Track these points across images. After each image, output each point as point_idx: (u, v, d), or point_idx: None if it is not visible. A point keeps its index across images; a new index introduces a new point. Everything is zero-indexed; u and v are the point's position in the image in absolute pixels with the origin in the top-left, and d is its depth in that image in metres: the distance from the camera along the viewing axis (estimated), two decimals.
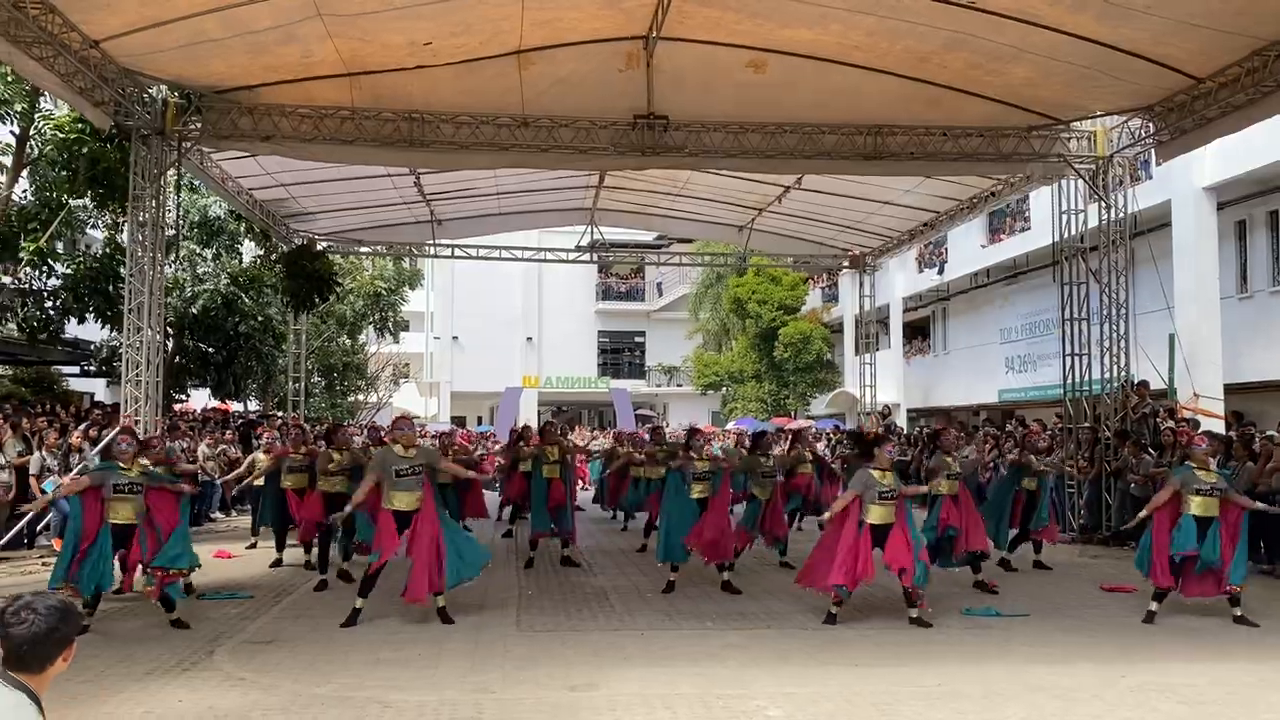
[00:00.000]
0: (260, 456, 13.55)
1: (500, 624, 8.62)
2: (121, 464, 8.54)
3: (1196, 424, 15.05)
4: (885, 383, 28.04)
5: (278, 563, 12.04)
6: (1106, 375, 15.52)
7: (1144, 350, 16.02)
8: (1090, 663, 7.42)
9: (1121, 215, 15.59)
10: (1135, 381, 15.66)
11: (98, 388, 27.33)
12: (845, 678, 6.97)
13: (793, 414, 36.03)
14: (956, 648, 7.93)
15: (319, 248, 21.42)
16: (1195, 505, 8.88)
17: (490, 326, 44.85)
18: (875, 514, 8.62)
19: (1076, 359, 15.82)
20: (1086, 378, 15.78)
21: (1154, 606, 8.96)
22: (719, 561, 10.23)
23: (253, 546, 13.58)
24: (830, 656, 7.55)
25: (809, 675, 7.02)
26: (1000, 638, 8.31)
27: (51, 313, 17.29)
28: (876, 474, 8.73)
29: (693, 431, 11.24)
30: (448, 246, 23.38)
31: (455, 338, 45.61)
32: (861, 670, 7.17)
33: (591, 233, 22.97)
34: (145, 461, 8.81)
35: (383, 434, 14.07)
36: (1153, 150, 15.15)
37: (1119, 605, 9.73)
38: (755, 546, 12.06)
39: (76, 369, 23.94)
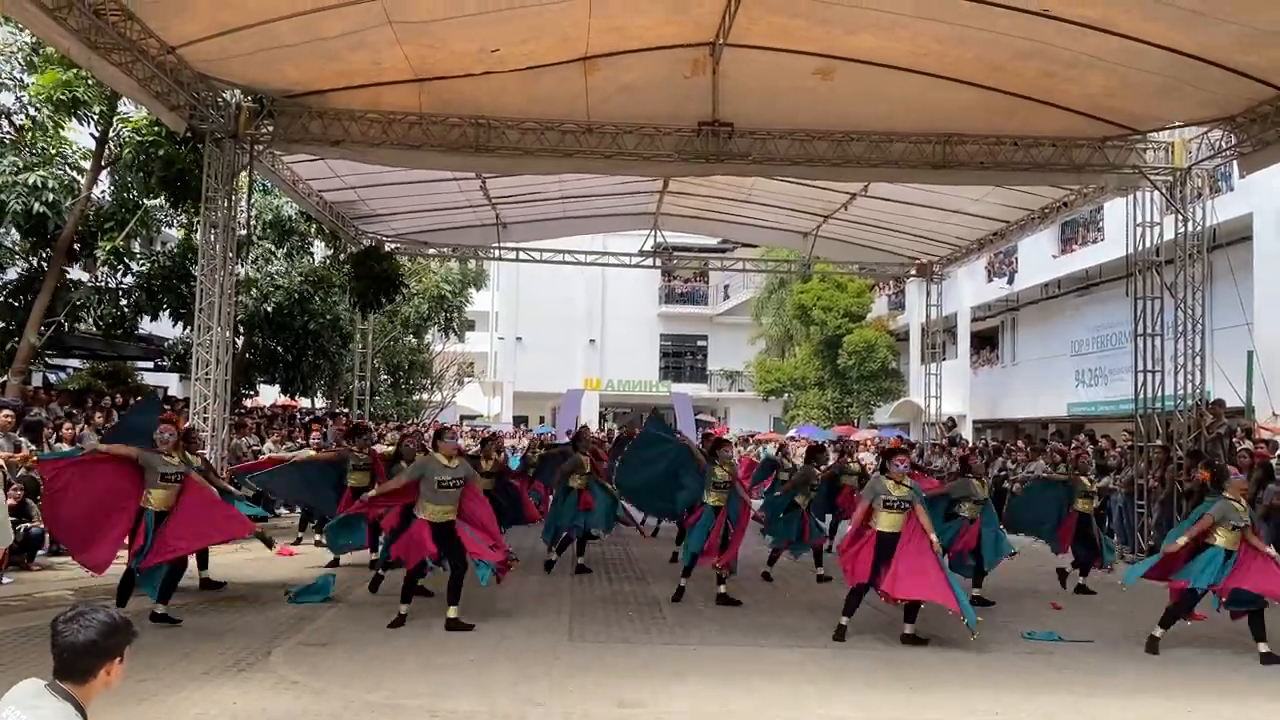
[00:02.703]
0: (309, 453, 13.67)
1: (552, 632, 8.62)
2: (163, 453, 8.66)
3: (1276, 445, 14.56)
4: (951, 393, 27.60)
5: (334, 563, 12.18)
6: (1180, 392, 15.06)
7: (1220, 367, 15.54)
8: (1154, 696, 7.20)
9: (1199, 228, 15.13)
10: (1211, 399, 15.19)
11: (170, 381, 27.99)
12: (900, 701, 6.85)
13: (855, 423, 35.65)
14: (1016, 674, 7.74)
15: (386, 249, 21.73)
16: (1223, 539, 8.52)
17: (553, 328, 45.10)
18: (883, 521, 8.64)
19: (1149, 375, 15.39)
20: (1159, 394, 15.35)
21: (1159, 633, 8.68)
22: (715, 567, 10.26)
23: (297, 541, 13.81)
24: (886, 679, 7.41)
25: (863, 698, 6.90)
26: (1061, 664, 8.09)
27: (126, 310, 17.73)
28: (889, 483, 8.73)
29: (719, 443, 11.14)
30: (512, 250, 23.55)
31: (519, 338, 45.96)
32: (917, 694, 7.03)
33: (655, 237, 22.98)
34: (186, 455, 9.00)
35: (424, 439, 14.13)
36: (1234, 162, 14.71)
37: (1187, 634, 9.41)
38: (798, 559, 12.29)
39: (150, 364, 24.52)
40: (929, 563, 8.45)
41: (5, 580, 10.44)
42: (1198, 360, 14.96)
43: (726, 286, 47.05)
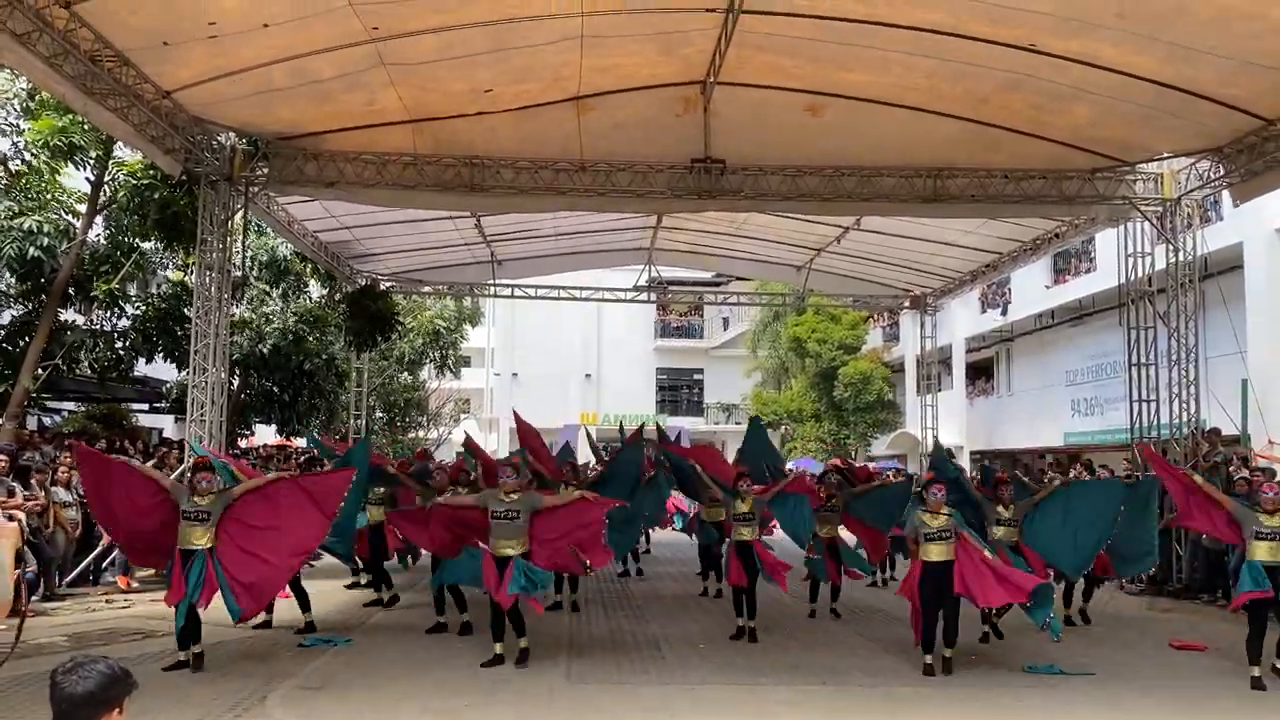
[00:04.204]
0: None
1: (549, 674, 8.56)
2: (197, 496, 8.65)
3: (1272, 472, 14.52)
4: (948, 424, 27.59)
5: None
6: (1175, 421, 15.09)
7: (1215, 396, 15.55)
8: None
9: (1190, 258, 15.22)
10: (1206, 428, 15.19)
11: (166, 423, 27.91)
12: None
13: (853, 454, 35.58)
14: (1018, 709, 7.70)
15: (382, 288, 21.77)
16: (1261, 551, 8.49)
17: (550, 363, 45.03)
18: (931, 552, 8.78)
19: (1144, 404, 15.41)
20: (1155, 423, 15.36)
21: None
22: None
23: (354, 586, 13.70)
24: (885, 716, 7.36)
25: None
26: (1063, 698, 8.04)
27: (121, 352, 17.70)
28: (926, 516, 8.88)
29: (739, 475, 10.91)
30: (508, 286, 23.61)
31: (515, 374, 45.88)
32: None
33: (649, 271, 23.05)
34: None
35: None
36: (1223, 192, 14.83)
37: (1190, 664, 9.39)
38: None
39: (146, 406, 24.47)
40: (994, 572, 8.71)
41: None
42: (1192, 389, 15.01)
43: (726, 319, 46.95)
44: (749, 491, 10.48)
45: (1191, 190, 14.68)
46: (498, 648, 8.81)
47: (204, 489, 8.67)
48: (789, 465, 32.89)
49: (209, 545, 8.52)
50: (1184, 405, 15.00)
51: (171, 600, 8.51)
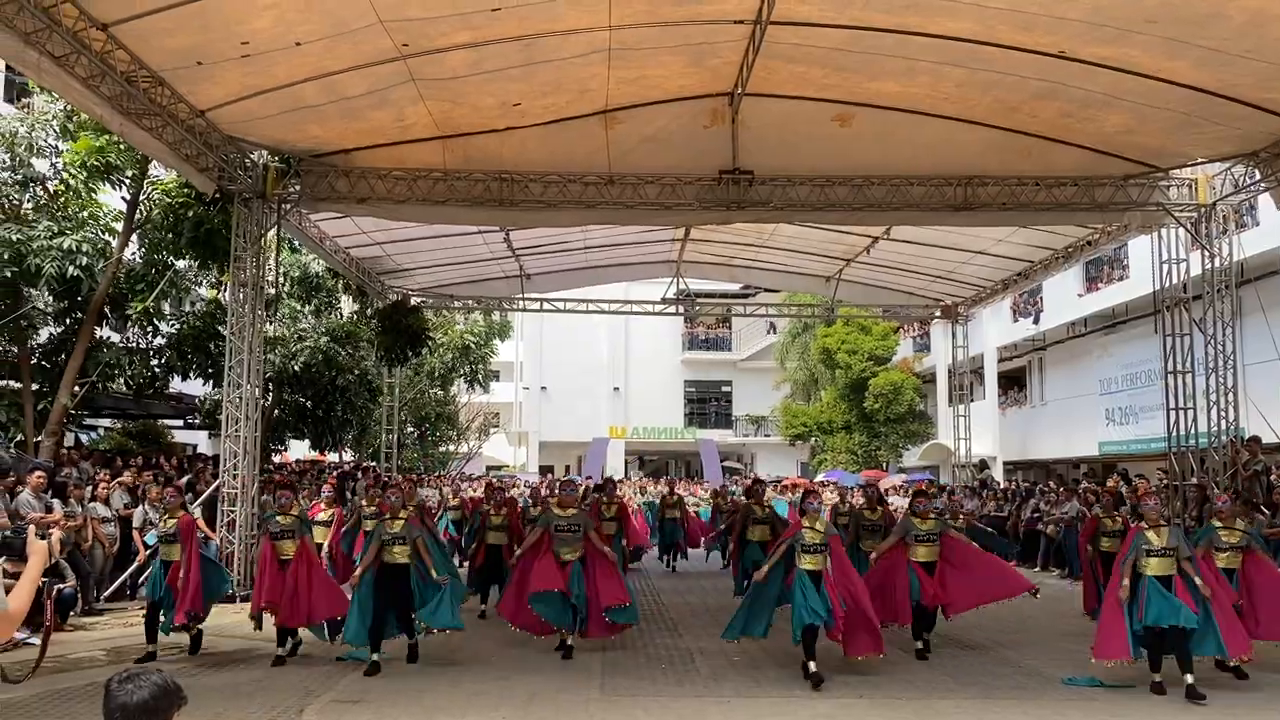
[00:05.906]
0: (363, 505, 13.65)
1: (584, 687, 8.55)
2: (280, 514, 9.87)
3: None
4: (980, 434, 27.37)
5: None
6: (1214, 429, 14.87)
7: (1254, 403, 15.33)
8: None
9: (1226, 263, 15.03)
10: (1245, 436, 14.97)
11: (200, 439, 28.18)
12: None
13: (884, 466, 35.37)
14: None
15: (413, 303, 21.92)
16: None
17: (578, 376, 45.09)
18: (920, 553, 10.01)
19: (1181, 413, 15.21)
20: (1192, 431, 15.16)
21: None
22: (868, 654, 8.99)
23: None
24: None
25: None
26: (1104, 712, 7.92)
27: (157, 370, 17.90)
28: (917, 520, 10.11)
29: (806, 494, 10.12)
30: (536, 300, 23.70)
31: (544, 388, 45.97)
32: None
33: (677, 284, 23.07)
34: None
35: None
36: (1259, 196, 14.65)
37: (1230, 676, 9.20)
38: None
39: (180, 422, 24.71)
40: (978, 565, 10.15)
41: (32, 640, 10.39)
42: (1230, 396, 14.79)
43: (773, 323, 46.12)
44: (817, 512, 9.24)
45: (1227, 195, 14.52)
46: (570, 639, 9.91)
47: (285, 505, 9.85)
48: (820, 477, 32.89)
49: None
50: (1222, 413, 14.78)
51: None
